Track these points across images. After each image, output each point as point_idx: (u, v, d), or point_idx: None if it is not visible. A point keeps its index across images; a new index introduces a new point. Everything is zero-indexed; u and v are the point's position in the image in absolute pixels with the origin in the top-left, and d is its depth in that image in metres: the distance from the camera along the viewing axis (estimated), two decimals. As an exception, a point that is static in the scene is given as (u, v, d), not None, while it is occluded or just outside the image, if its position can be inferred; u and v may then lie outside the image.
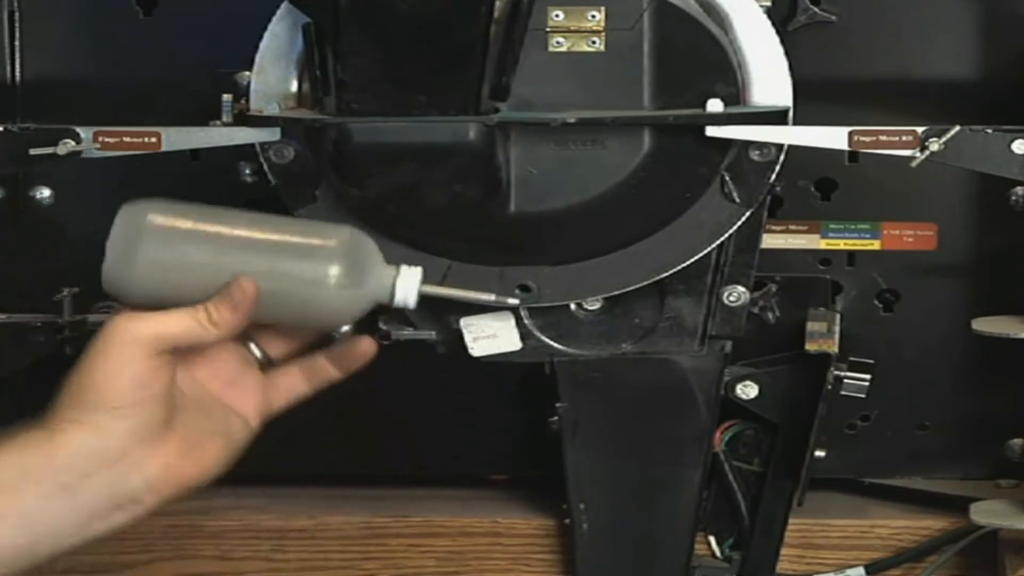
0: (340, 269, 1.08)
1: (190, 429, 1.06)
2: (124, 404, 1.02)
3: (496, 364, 1.23)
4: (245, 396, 1.10)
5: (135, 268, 1.06)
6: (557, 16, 1.10)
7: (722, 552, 1.30)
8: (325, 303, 1.08)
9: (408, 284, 1.10)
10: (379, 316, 1.25)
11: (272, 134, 1.13)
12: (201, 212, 1.08)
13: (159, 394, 1.03)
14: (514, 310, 1.21)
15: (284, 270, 1.07)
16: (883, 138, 1.11)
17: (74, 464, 1.01)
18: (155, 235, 1.06)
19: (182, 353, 1.06)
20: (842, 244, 1.31)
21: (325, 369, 1.13)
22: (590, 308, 1.21)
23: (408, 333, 1.23)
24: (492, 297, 1.14)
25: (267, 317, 1.09)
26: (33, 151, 1.14)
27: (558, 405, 1.23)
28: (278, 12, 1.13)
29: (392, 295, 1.10)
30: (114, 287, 1.07)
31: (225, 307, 1.05)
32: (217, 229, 1.08)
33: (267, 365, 1.12)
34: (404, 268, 1.10)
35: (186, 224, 1.07)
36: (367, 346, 1.13)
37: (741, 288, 1.21)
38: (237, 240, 1.08)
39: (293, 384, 1.12)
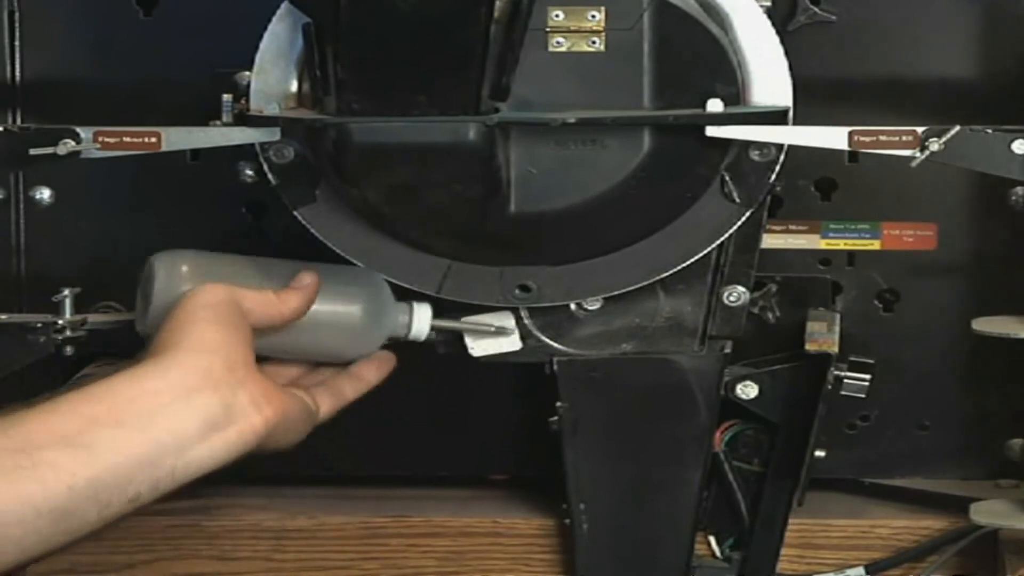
0: (362, 310, 1.18)
1: (275, 383, 1.12)
2: (218, 334, 1.07)
3: (496, 364, 1.23)
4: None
5: None
6: (557, 16, 1.10)
7: (722, 552, 1.30)
8: (350, 340, 1.18)
9: (421, 320, 1.20)
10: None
11: (272, 134, 1.13)
12: (231, 260, 1.17)
13: (243, 337, 1.09)
14: (514, 310, 1.21)
15: (314, 312, 1.16)
16: (883, 138, 1.11)
17: (187, 376, 1.05)
18: (199, 282, 1.13)
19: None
20: (842, 244, 1.31)
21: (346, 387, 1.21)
22: (590, 308, 1.21)
23: (408, 333, 1.24)
24: (492, 329, 1.21)
25: (296, 353, 1.19)
26: (33, 151, 1.14)
27: (558, 405, 1.23)
28: (278, 12, 1.13)
29: (408, 330, 1.20)
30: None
31: (291, 293, 1.13)
32: (253, 274, 1.16)
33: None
34: (416, 305, 1.20)
35: (224, 271, 1.15)
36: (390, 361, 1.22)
37: (741, 288, 1.21)
38: (271, 284, 1.15)
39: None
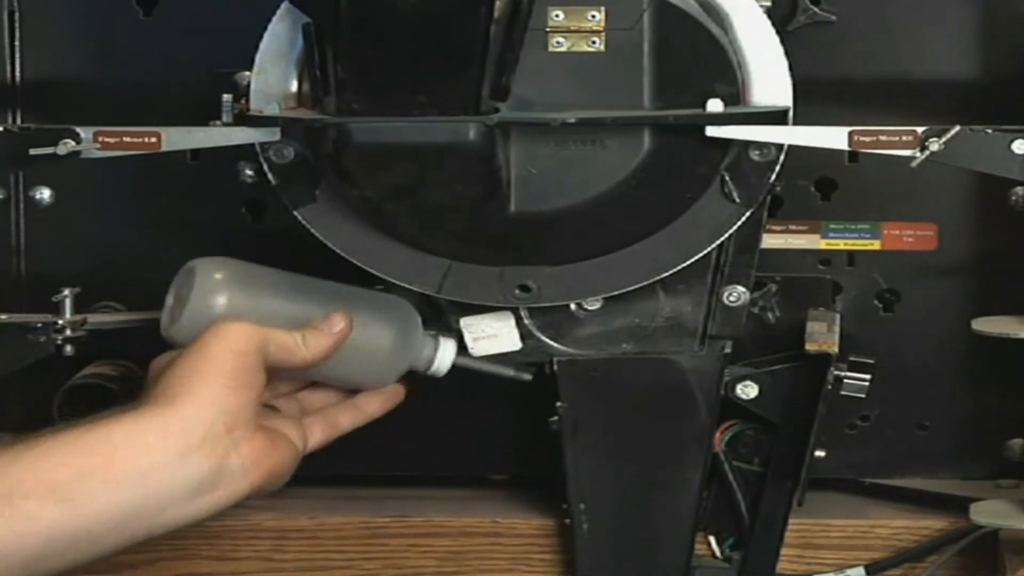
0: (391, 345, 1.18)
1: (272, 429, 1.13)
2: (227, 389, 1.07)
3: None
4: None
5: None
6: (557, 16, 1.10)
7: (722, 552, 1.30)
8: (376, 367, 1.19)
9: (445, 358, 1.20)
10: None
11: (272, 134, 1.13)
12: (270, 277, 1.17)
13: (253, 394, 1.09)
14: (514, 310, 1.21)
15: (342, 346, 1.15)
16: (883, 138, 1.11)
17: (187, 433, 1.06)
18: (234, 293, 1.14)
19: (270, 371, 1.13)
20: (842, 244, 1.31)
21: (345, 416, 1.21)
22: (590, 308, 1.21)
23: (408, 333, 1.23)
24: (511, 372, 1.22)
25: (320, 376, 1.19)
26: (33, 151, 1.14)
27: (558, 405, 1.23)
28: (278, 12, 1.13)
29: (430, 365, 1.20)
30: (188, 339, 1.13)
31: (318, 335, 1.14)
32: (291, 291, 1.16)
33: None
34: (442, 340, 1.20)
35: (261, 284, 1.16)
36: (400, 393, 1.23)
37: (741, 288, 1.21)
38: (306, 307, 1.16)
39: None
